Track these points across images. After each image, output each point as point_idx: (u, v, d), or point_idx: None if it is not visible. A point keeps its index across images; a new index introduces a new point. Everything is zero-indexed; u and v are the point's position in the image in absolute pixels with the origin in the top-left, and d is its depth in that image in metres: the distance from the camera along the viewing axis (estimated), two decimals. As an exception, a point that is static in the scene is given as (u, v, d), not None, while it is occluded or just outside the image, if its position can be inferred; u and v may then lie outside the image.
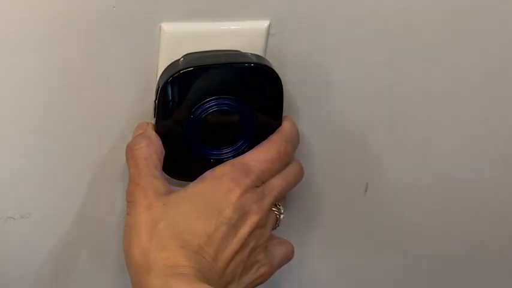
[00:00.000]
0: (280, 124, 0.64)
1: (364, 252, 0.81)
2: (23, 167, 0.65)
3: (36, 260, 0.71)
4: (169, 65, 0.61)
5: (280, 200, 0.64)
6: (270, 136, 0.64)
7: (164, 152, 0.62)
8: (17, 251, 0.70)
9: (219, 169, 0.61)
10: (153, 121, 0.62)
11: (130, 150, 0.62)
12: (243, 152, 0.64)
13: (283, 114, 0.65)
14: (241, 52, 0.62)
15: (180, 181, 0.65)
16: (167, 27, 0.60)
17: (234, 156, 0.64)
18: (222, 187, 0.60)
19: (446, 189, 0.78)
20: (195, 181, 0.62)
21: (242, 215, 0.60)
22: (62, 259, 0.71)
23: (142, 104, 0.63)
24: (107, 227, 0.70)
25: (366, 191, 0.76)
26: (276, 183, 0.63)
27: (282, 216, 0.64)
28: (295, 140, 0.65)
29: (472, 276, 0.85)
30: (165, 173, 0.63)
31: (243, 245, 0.61)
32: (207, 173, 0.62)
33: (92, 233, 0.71)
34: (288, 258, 0.67)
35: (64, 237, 0.70)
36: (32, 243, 0.69)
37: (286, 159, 0.64)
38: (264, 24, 0.62)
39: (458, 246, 0.82)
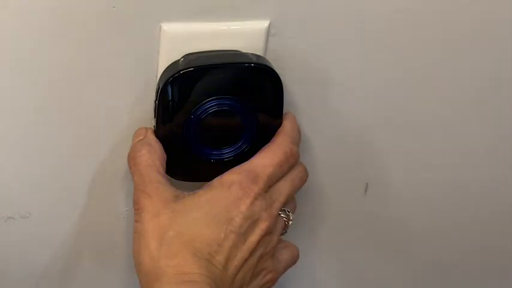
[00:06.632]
0: (280, 123, 0.64)
1: (364, 252, 0.81)
2: (23, 167, 0.65)
3: (36, 260, 0.71)
4: (170, 65, 0.61)
5: (287, 203, 0.64)
6: (274, 138, 0.63)
7: (166, 156, 0.62)
8: (17, 251, 0.70)
9: (227, 177, 0.61)
10: (153, 121, 0.62)
11: (131, 158, 0.62)
12: (244, 152, 0.64)
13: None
14: (241, 52, 0.62)
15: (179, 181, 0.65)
16: (167, 27, 0.60)
17: (234, 156, 0.64)
18: (231, 196, 0.60)
19: (447, 189, 0.78)
20: (203, 188, 0.61)
21: (251, 223, 0.60)
22: (62, 259, 0.71)
23: (143, 104, 0.63)
24: (107, 227, 0.70)
25: (366, 191, 0.76)
26: (283, 188, 0.63)
27: (290, 222, 0.64)
28: (298, 139, 0.65)
29: (472, 276, 0.85)
30: (166, 174, 0.63)
31: (252, 252, 0.60)
32: (215, 181, 0.61)
33: (92, 232, 0.71)
34: (293, 261, 0.67)
35: (64, 237, 0.70)
36: (32, 243, 0.69)
37: (293, 161, 0.63)
38: (264, 24, 0.62)
39: (459, 246, 0.82)
